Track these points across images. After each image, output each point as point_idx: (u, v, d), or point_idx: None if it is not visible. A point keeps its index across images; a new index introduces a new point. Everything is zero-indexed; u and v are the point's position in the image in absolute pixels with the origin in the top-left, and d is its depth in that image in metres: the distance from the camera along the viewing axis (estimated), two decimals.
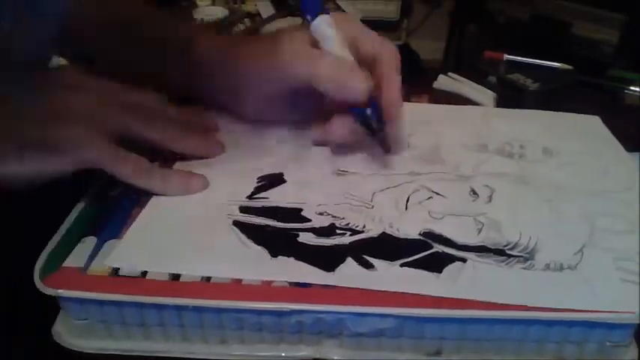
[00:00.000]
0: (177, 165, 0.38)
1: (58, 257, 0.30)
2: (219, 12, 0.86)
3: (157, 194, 0.35)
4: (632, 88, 0.61)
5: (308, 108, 0.40)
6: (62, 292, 0.28)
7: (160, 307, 0.28)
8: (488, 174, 0.38)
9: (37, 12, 0.42)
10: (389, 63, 0.38)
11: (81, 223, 0.33)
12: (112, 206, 0.34)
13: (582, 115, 0.48)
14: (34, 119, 0.32)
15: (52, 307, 0.30)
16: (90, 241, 0.31)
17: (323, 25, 0.37)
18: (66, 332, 0.30)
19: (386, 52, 0.38)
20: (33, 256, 0.30)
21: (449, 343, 0.29)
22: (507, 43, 0.68)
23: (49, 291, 0.28)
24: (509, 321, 0.28)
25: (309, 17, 0.37)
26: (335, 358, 0.29)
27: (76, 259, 0.30)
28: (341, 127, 0.38)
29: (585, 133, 0.45)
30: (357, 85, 0.35)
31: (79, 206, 0.35)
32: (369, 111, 0.37)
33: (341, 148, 0.40)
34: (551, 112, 0.48)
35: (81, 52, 0.46)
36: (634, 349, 0.30)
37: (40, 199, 0.33)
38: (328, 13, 0.37)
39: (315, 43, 0.37)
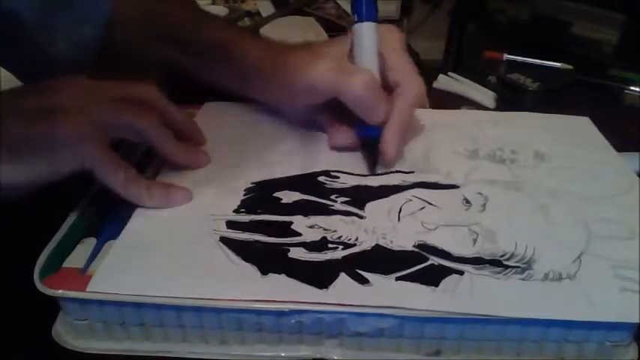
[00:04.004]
0: (163, 176, 0.37)
1: (57, 258, 0.30)
2: (219, 11, 0.86)
3: (138, 205, 0.34)
4: (632, 88, 0.61)
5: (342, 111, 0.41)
6: (62, 292, 0.28)
7: (159, 307, 0.28)
8: (480, 181, 0.38)
9: (79, 13, 0.42)
10: (405, 99, 0.39)
11: (81, 224, 0.33)
12: (112, 207, 0.34)
13: (572, 116, 0.47)
14: (23, 122, 0.31)
15: (52, 307, 0.30)
16: (89, 242, 0.31)
17: (365, 33, 0.38)
18: (66, 332, 0.30)
19: (408, 85, 0.39)
20: (33, 256, 0.30)
21: (449, 343, 0.29)
22: (507, 43, 0.68)
23: (48, 292, 0.28)
24: (509, 321, 0.28)
25: (356, 17, 0.38)
26: (335, 358, 0.29)
27: (75, 259, 0.30)
28: (345, 138, 0.40)
29: (575, 134, 0.44)
30: (379, 113, 0.38)
31: (79, 207, 0.35)
32: (375, 134, 0.38)
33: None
34: (542, 115, 0.48)
35: (118, 55, 0.47)
36: (634, 349, 0.30)
37: (40, 200, 0.33)
38: (378, 21, 0.38)
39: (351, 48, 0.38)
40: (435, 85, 0.62)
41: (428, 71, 0.65)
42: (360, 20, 0.38)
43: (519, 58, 0.65)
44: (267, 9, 0.88)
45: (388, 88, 0.39)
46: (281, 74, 0.40)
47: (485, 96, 0.58)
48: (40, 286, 0.28)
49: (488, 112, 0.54)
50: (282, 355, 0.30)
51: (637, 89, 0.60)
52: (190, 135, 0.40)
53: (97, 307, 0.29)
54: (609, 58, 0.65)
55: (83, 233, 0.32)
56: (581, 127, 0.46)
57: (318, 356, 0.29)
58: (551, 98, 0.58)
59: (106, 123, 0.33)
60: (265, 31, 0.79)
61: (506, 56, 0.66)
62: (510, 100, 0.58)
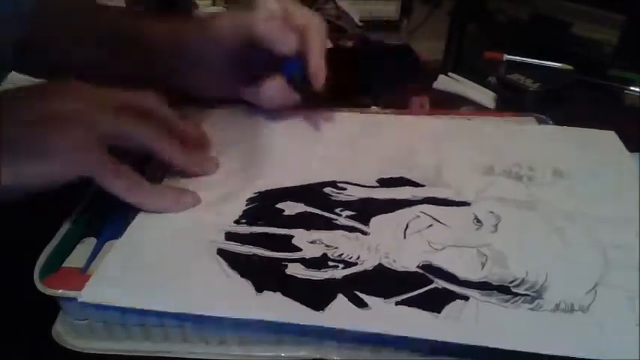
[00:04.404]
0: (167, 182, 0.37)
1: (57, 258, 0.30)
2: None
3: (145, 210, 0.34)
4: (632, 88, 0.61)
5: (248, 78, 0.43)
6: (62, 292, 0.28)
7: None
8: (493, 199, 0.36)
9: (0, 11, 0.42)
10: (316, 32, 0.41)
11: (81, 224, 0.33)
12: (112, 207, 0.34)
13: (597, 130, 0.44)
14: (23, 126, 0.31)
15: (52, 307, 0.30)
16: (90, 242, 0.31)
17: None
18: (66, 332, 0.30)
19: (314, 22, 0.41)
20: (33, 256, 0.30)
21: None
22: (507, 43, 0.68)
23: (48, 291, 0.28)
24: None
25: None
26: (335, 358, 0.29)
27: (75, 259, 0.30)
28: (272, 89, 0.42)
29: (599, 150, 0.41)
30: (290, 36, 0.39)
31: (79, 207, 0.35)
32: (298, 64, 0.40)
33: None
34: (565, 128, 0.45)
35: (37, 58, 0.46)
36: None
37: (40, 200, 0.33)
38: None
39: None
40: (435, 85, 0.62)
41: (428, 71, 0.65)
42: None
43: (519, 59, 0.65)
44: None
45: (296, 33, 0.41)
46: (187, 40, 0.43)
47: (485, 96, 0.58)
48: (40, 286, 0.28)
49: (508, 123, 0.47)
50: (282, 355, 0.30)
51: (637, 89, 0.60)
52: (195, 139, 0.40)
53: (97, 308, 0.29)
54: (609, 58, 0.65)
55: (83, 233, 0.32)
56: (606, 142, 0.42)
57: (318, 356, 0.29)
58: (551, 98, 0.58)
59: (108, 134, 0.33)
60: None
61: (506, 56, 0.66)
62: (510, 100, 0.58)
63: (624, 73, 0.63)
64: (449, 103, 0.58)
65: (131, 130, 0.34)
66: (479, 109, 0.57)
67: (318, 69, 0.40)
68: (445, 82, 0.62)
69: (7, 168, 0.30)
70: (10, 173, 0.30)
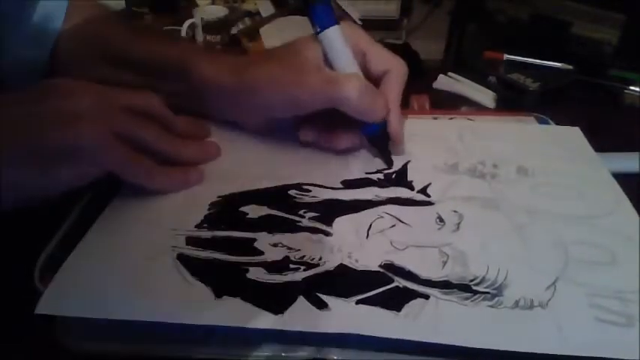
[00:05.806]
0: None
1: (57, 258, 0.30)
2: (219, 11, 0.86)
3: (159, 192, 0.35)
4: (632, 88, 0.61)
5: (318, 121, 0.40)
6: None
7: None
8: (457, 198, 0.36)
9: (27, 33, 0.41)
10: (397, 82, 0.38)
11: (81, 224, 0.33)
12: None
13: (562, 127, 0.45)
14: (37, 127, 0.31)
15: None
16: None
17: (333, 38, 0.36)
18: (66, 332, 0.30)
19: (395, 69, 0.39)
20: (33, 256, 0.30)
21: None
22: (507, 43, 0.68)
23: None
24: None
25: (318, 28, 0.36)
26: (335, 358, 0.29)
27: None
28: (347, 141, 0.39)
29: (564, 148, 0.41)
30: (380, 110, 0.37)
31: (79, 206, 0.35)
32: (379, 127, 0.38)
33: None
34: (531, 125, 0.46)
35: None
36: None
37: None
38: (338, 24, 0.37)
39: (325, 56, 0.37)
40: (435, 85, 0.62)
41: (428, 71, 0.65)
42: (323, 29, 0.36)
43: (519, 58, 0.65)
44: (267, 9, 0.88)
45: (374, 79, 0.39)
46: (251, 91, 0.38)
47: (485, 96, 0.58)
48: (40, 286, 0.28)
49: (473, 122, 0.47)
50: (282, 355, 0.29)
51: (637, 89, 0.60)
52: (194, 132, 0.41)
53: None
54: (609, 58, 0.64)
55: (83, 233, 0.32)
56: (571, 139, 0.43)
57: (318, 356, 0.29)
58: (551, 98, 0.58)
59: (118, 132, 0.33)
60: (265, 31, 0.79)
61: (506, 56, 0.66)
62: (510, 100, 0.58)
63: (624, 73, 0.63)
64: (449, 103, 0.58)
65: (137, 130, 0.34)
66: (479, 108, 0.57)
67: (397, 131, 0.38)
68: (445, 82, 0.62)
69: (32, 173, 0.30)
70: (33, 178, 0.30)
